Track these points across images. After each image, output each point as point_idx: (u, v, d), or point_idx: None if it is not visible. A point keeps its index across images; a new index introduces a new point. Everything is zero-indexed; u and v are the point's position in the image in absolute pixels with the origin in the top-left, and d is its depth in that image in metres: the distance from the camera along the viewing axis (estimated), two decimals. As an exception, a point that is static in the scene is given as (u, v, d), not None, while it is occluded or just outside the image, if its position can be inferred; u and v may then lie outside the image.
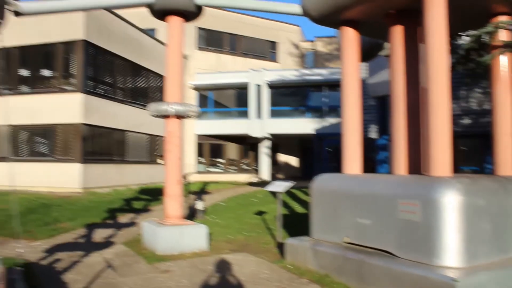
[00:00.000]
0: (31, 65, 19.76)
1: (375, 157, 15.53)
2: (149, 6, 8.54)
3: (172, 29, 8.72)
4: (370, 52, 10.63)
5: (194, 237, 8.41)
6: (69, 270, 7.00)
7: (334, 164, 23.21)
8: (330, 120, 25.75)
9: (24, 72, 19.87)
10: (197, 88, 28.96)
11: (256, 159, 29.61)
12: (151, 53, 23.88)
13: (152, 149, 24.20)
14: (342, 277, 6.36)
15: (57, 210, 13.27)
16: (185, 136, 27.59)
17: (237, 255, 8.09)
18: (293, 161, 33.05)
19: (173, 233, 8.18)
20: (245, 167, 30.43)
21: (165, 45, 23.92)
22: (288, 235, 9.28)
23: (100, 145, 19.63)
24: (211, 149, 29.74)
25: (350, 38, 7.64)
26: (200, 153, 29.40)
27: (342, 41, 7.77)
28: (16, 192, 16.53)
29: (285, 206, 14.37)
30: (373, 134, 16.51)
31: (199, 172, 28.68)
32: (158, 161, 24.54)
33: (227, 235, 10.11)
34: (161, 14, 8.71)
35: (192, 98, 28.53)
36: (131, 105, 22.08)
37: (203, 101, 29.25)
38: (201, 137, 28.94)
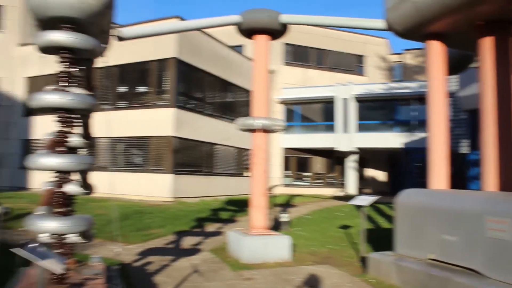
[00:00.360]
0: (128, 82, 21.22)
1: (466, 173, 14.84)
2: (236, 25, 8.95)
3: (258, 46, 9.07)
4: (459, 64, 10.31)
5: (278, 247, 8.60)
6: (159, 272, 7.47)
7: (423, 179, 22.29)
8: (419, 134, 24.90)
9: (122, 89, 21.38)
10: (284, 102, 29.35)
11: (342, 173, 29.32)
12: (238, 68, 24.66)
13: (239, 162, 24.84)
14: (425, 294, 6.24)
15: (149, 217, 14.07)
16: (272, 150, 28.04)
17: (319, 267, 8.16)
18: (381, 175, 32.31)
19: (257, 243, 8.43)
20: (331, 181, 30.22)
21: (252, 61, 24.52)
22: (372, 249, 9.19)
23: (189, 157, 20.53)
24: (297, 162, 29.90)
25: (436, 51, 7.52)
26: (286, 167, 29.65)
27: (428, 55, 7.66)
28: (114, 199, 17.78)
29: (371, 220, 14.17)
30: (464, 149, 15.81)
31: (285, 185, 28.91)
32: (245, 173, 25.13)
33: (310, 247, 10.20)
34: (248, 33, 9.09)
35: (279, 112, 28.96)
36: (219, 119, 22.89)
37: (290, 115, 29.57)
38: (288, 150, 29.21)
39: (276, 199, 21.74)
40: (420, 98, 24.95)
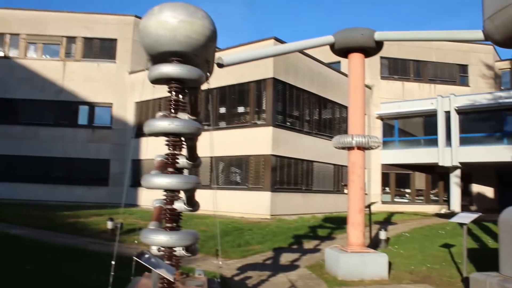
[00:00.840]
0: (228, 103, 22.18)
1: None
2: (331, 45, 9.18)
3: (353, 65, 9.21)
4: None
5: (375, 265, 8.58)
6: (258, 286, 7.79)
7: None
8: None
9: (222, 110, 22.38)
10: (382, 118, 28.84)
11: (445, 189, 28.03)
12: (335, 85, 24.75)
13: (337, 179, 24.76)
14: (534, 318, 5.93)
15: (249, 234, 14.53)
16: (370, 166, 27.61)
17: (417, 286, 8.02)
18: (488, 191, 30.33)
19: (354, 260, 8.47)
20: (433, 197, 29.00)
21: (347, 77, 24.41)
22: (475, 269, 8.83)
23: (287, 175, 20.89)
24: (397, 178, 29.12)
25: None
26: (385, 183, 28.99)
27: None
28: (216, 216, 18.60)
29: (476, 239, 13.49)
30: None
31: (384, 202, 28.25)
32: (345, 190, 24.97)
33: (409, 265, 9.99)
34: (342, 52, 9.28)
35: (378, 127, 28.50)
36: (316, 137, 23.08)
37: (389, 130, 28.97)
38: (386, 166, 28.58)
39: (375, 217, 21.33)
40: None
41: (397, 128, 28.97)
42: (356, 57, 9.16)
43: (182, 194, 5.63)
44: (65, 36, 27.74)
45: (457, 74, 30.95)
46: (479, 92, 27.31)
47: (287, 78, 20.88)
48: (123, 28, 27.64)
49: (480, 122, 26.10)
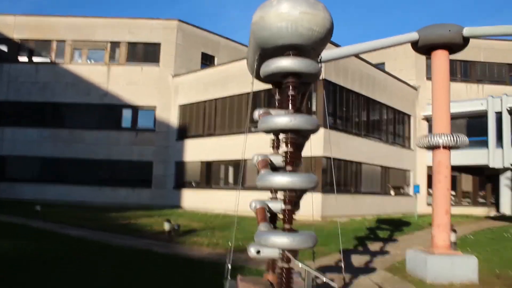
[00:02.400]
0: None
1: None
2: (413, 43, 8.88)
3: (437, 62, 8.91)
4: None
5: (465, 268, 8.26)
6: (348, 289, 7.57)
7: None
8: None
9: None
10: (427, 119, 28.22)
11: (493, 191, 27.22)
12: (382, 86, 24.35)
13: (384, 180, 24.31)
14: None
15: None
16: (416, 168, 27.04)
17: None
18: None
19: (444, 263, 8.15)
20: (480, 200, 28.20)
21: (394, 78, 23.94)
22: None
23: (337, 176, 20.58)
24: (443, 181, 28.40)
25: None
26: (431, 185, 28.33)
27: None
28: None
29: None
30: None
31: (429, 204, 27.53)
32: (391, 192, 24.52)
33: (491, 269, 9.61)
34: (425, 49, 8.97)
35: (424, 129, 27.90)
36: (365, 138, 22.70)
37: (433, 131, 28.29)
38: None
39: (426, 219, 20.81)
40: None
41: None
42: (441, 54, 8.85)
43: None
44: (110, 41, 28.08)
45: (506, 74, 30.07)
46: (530, 92, 26.48)
47: (337, 80, 20.60)
48: (167, 32, 27.81)
49: (532, 123, 25.31)
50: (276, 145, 6.51)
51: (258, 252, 6.16)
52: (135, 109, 27.85)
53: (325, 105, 19.83)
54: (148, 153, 27.21)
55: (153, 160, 27.21)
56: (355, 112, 22.41)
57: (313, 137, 20.00)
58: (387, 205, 23.47)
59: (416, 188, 22.50)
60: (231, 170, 23.41)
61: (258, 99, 21.86)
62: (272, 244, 4.71)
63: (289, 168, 4.92)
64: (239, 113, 22.80)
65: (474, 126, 27.03)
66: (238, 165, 22.31)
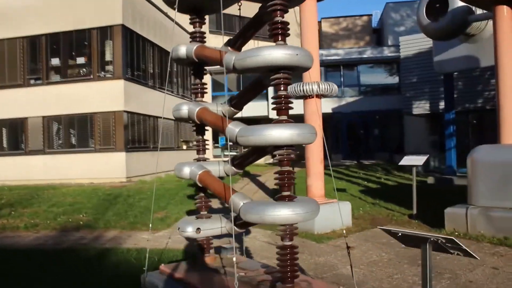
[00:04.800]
0: (63, 53, 18.91)
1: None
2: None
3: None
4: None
5: (342, 214, 8.35)
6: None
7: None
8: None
9: (55, 61, 18.95)
10: (211, 73, 28.34)
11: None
12: (175, 40, 23.27)
13: (178, 135, 23.78)
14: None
15: (135, 200, 12.76)
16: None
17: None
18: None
19: (327, 212, 8.04)
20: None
21: (182, 28, 22.83)
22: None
23: (138, 133, 19.13)
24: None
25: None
26: (215, 138, 29.02)
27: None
28: (59, 185, 16.11)
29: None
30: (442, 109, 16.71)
31: (215, 156, 28.26)
32: (184, 146, 24.20)
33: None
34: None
35: (209, 82, 28.02)
36: (159, 91, 21.54)
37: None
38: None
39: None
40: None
41: (227, 82, 28.99)
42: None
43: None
44: None
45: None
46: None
47: (134, 27, 18.72)
48: None
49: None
50: (200, 91, 5.25)
51: (198, 230, 4.93)
52: None
53: (123, 54, 17.86)
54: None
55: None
56: (150, 63, 20.90)
57: (111, 90, 18.01)
58: (182, 160, 23.09)
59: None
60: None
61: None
62: (282, 218, 3.61)
63: (283, 117, 3.82)
64: (11, 62, 18.88)
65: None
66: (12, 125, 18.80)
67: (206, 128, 5.13)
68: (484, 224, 7.32)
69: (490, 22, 13.31)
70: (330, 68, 27.42)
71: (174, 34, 23.06)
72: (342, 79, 27.21)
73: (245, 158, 4.69)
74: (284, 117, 3.81)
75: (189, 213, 11.05)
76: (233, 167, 4.81)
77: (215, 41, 28.44)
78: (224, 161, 4.99)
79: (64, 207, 11.78)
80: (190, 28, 5.15)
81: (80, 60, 18.55)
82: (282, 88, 3.79)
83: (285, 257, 3.81)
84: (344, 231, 7.28)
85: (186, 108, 4.91)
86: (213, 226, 4.95)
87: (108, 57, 18.19)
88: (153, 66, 21.19)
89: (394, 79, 27.22)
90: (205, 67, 5.27)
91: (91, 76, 18.11)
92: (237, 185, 14.90)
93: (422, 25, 12.88)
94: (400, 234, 2.89)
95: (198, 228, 4.84)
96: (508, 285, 5.21)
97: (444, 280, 5.45)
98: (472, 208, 7.58)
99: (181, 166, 5.00)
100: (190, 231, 4.81)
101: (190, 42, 5.05)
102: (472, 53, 13.85)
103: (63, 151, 18.23)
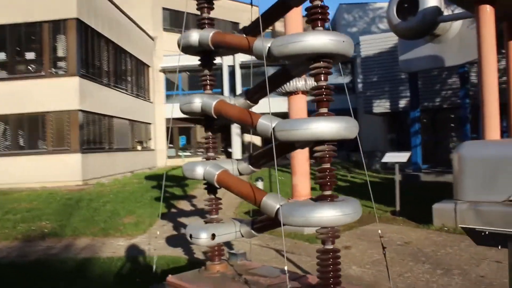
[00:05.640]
0: (10, 48, 17.69)
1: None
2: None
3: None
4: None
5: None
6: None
7: None
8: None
9: (1, 55, 17.77)
10: (165, 71, 27.63)
11: (225, 140, 29.08)
12: (127, 33, 22.46)
13: (133, 136, 22.98)
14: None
15: (98, 205, 12.01)
16: (155, 121, 26.42)
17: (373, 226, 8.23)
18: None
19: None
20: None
21: (136, 26, 22.25)
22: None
23: (94, 133, 18.27)
24: (180, 132, 28.71)
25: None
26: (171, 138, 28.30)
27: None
28: (8, 190, 15.05)
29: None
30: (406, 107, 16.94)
31: (170, 157, 27.47)
32: (138, 147, 23.42)
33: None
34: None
35: (161, 81, 27.28)
36: (116, 89, 20.72)
37: (173, 83, 28.08)
38: (170, 121, 27.85)
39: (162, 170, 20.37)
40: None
41: (181, 81, 28.33)
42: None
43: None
44: None
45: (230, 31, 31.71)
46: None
47: (90, 22, 17.79)
48: None
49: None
50: (209, 83, 4.84)
51: (213, 236, 4.52)
52: None
53: (78, 50, 16.94)
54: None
55: None
56: (104, 60, 19.97)
57: (65, 88, 17.12)
58: (137, 161, 22.33)
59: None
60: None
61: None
62: (329, 220, 3.29)
63: (324, 109, 3.51)
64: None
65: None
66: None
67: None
68: (473, 218, 7.37)
69: (455, 23, 13.74)
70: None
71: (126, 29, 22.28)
72: (298, 79, 27.26)
73: (262, 156, 4.33)
74: (325, 110, 3.48)
75: (163, 216, 10.56)
76: (250, 166, 4.43)
77: (169, 37, 27.74)
78: (238, 160, 4.59)
79: (21, 214, 10.93)
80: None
81: (30, 55, 17.41)
82: (322, 78, 3.47)
83: (327, 262, 3.46)
84: (380, 231, 7.06)
85: (199, 101, 4.44)
86: (228, 231, 4.50)
87: (60, 52, 17.22)
88: (108, 64, 20.28)
89: (349, 79, 27.57)
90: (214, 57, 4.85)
91: (42, 73, 17.04)
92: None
93: (392, 24, 13.00)
94: (487, 232, 2.68)
95: (213, 234, 4.42)
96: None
97: (455, 277, 5.38)
98: (460, 203, 7.63)
99: (192, 166, 4.50)
100: (204, 237, 4.35)
101: (197, 28, 4.61)
102: (437, 53, 14.22)
103: (11, 153, 17.05)
